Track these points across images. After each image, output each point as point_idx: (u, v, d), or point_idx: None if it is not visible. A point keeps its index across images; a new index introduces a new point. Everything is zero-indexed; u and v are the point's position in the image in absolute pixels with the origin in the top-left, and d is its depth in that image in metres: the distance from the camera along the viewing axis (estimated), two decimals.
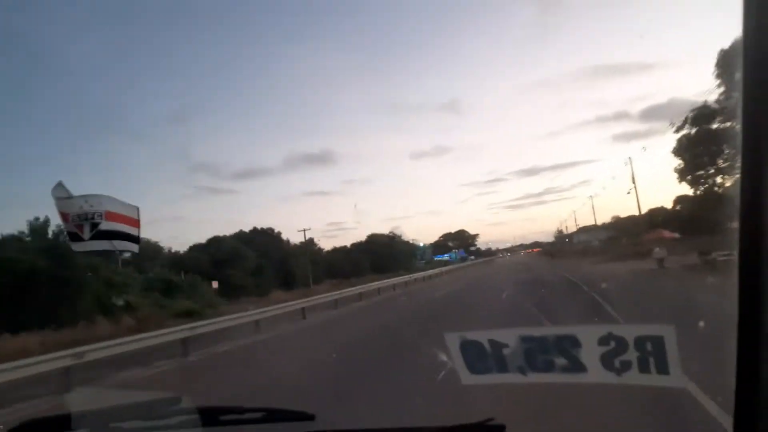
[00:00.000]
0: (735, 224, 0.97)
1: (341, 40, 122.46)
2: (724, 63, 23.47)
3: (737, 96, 0.97)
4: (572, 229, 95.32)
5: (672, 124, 31.52)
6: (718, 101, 26.46)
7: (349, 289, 26.67)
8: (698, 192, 31.98)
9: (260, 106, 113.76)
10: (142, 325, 17.12)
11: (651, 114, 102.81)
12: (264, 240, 49.40)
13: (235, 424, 1.49)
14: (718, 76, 24.55)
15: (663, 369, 1.32)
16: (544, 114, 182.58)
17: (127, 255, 25.31)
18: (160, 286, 23.47)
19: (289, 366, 9.37)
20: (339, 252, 72.73)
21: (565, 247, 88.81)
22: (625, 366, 1.36)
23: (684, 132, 30.96)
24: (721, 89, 25.11)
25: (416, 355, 7.42)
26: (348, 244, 77.10)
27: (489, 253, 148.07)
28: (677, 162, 32.26)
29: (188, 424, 1.44)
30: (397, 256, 73.49)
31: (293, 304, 20.75)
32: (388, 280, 33.36)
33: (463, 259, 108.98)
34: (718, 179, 29.77)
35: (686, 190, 33.49)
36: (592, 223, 72.64)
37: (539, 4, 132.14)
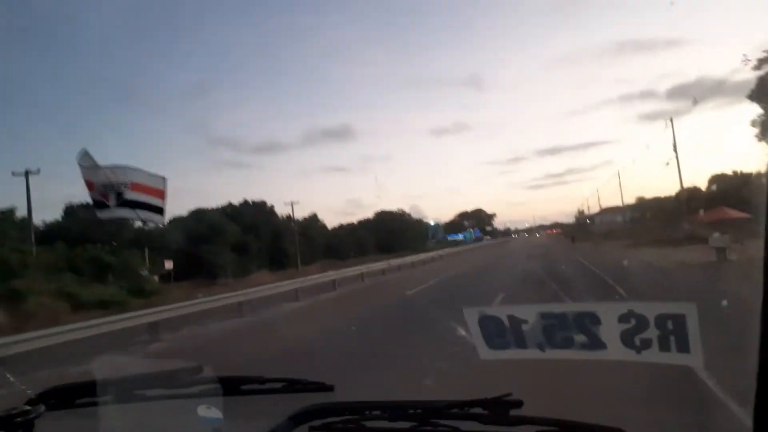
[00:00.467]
0: None
1: (362, 14, 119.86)
2: None
3: None
4: (594, 209, 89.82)
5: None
6: None
7: (324, 274, 22.26)
8: None
9: (280, 79, 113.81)
10: (19, 322, 12.85)
11: (678, 92, 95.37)
12: (253, 213, 45.03)
13: (256, 393, 1.53)
14: None
15: (683, 347, 1.31)
16: (566, 91, 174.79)
17: None
18: (88, 268, 19.23)
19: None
20: (345, 229, 68.76)
21: (586, 228, 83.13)
22: (645, 344, 1.37)
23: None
24: None
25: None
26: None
27: (506, 233, 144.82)
28: (755, 112, 26.40)
29: (210, 393, 1.43)
30: (405, 235, 68.92)
31: (254, 291, 16.71)
32: (374, 264, 28.80)
33: (478, 240, 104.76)
34: None
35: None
36: (615, 204, 66.90)
37: None
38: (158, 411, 1.54)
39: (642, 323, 1.34)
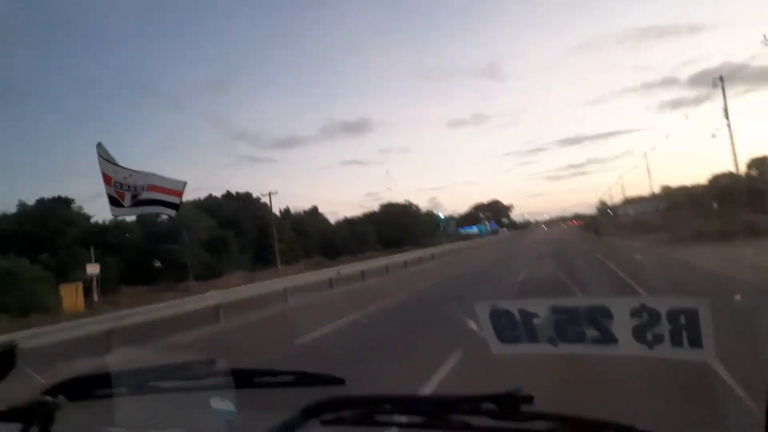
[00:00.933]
0: None
1: (378, 6, 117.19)
2: None
3: None
4: (617, 200, 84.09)
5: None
6: None
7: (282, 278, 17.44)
8: None
9: (298, 73, 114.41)
10: None
11: (701, 79, 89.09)
12: (236, 207, 40.40)
13: (268, 386, 1.54)
14: None
15: (696, 343, 1.30)
16: (586, 80, 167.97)
17: None
18: None
19: None
20: (349, 223, 64.22)
21: (609, 220, 77.06)
22: (657, 339, 1.35)
23: None
24: None
25: None
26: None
27: (525, 225, 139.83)
28: None
29: (223, 385, 1.44)
30: (413, 229, 63.91)
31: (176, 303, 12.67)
32: (358, 264, 23.82)
33: (495, 232, 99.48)
34: None
35: None
36: (638, 194, 61.08)
37: None
38: (173, 402, 1.56)
39: (654, 318, 1.35)
